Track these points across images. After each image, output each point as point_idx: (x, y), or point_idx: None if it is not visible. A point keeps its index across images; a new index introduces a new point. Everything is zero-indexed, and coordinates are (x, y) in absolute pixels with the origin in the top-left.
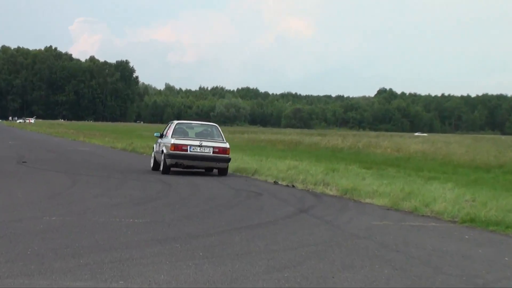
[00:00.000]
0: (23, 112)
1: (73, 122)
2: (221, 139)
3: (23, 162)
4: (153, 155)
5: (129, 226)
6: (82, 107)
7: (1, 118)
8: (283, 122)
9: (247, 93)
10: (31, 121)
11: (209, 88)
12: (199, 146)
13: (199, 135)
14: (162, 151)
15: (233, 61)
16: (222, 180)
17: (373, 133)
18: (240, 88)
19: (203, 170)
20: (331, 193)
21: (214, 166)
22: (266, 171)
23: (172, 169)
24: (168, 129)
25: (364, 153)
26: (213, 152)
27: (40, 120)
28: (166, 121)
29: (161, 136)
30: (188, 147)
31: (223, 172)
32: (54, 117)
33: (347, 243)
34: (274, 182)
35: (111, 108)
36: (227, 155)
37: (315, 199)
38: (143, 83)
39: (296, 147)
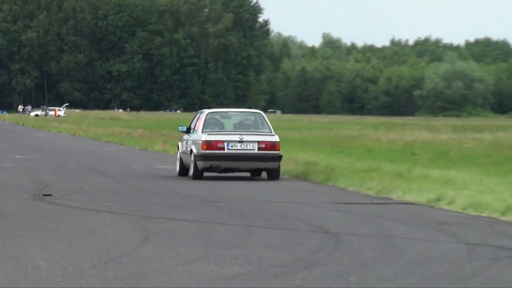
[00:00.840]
0: (43, 95)
1: (144, 113)
2: (267, 130)
3: (45, 195)
4: (178, 156)
5: None
6: (160, 85)
7: (3, 109)
8: None
9: (486, 52)
10: (59, 112)
11: (410, 42)
12: (239, 141)
13: (239, 127)
14: (191, 150)
15: None
16: (432, 225)
17: None
18: (470, 41)
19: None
20: None
21: (261, 167)
22: None
23: (206, 174)
24: (197, 121)
25: None
26: (259, 149)
27: (77, 110)
28: (328, 108)
29: (188, 130)
30: (225, 143)
31: (274, 174)
32: (105, 104)
33: None
34: None
35: (216, 84)
36: (278, 151)
37: None
38: (279, 35)
39: None
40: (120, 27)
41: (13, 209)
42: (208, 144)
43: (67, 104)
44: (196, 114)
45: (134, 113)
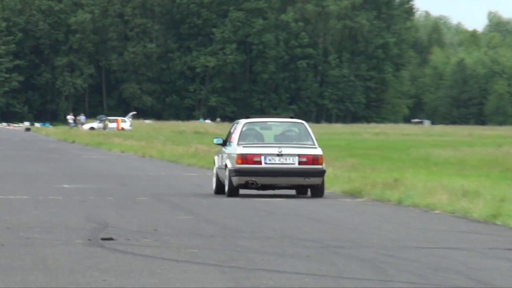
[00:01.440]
0: (101, 101)
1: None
2: (310, 142)
3: (104, 239)
4: (214, 171)
5: None
6: (262, 86)
7: (43, 120)
8: None
9: None
10: (122, 125)
11: None
12: (278, 155)
13: (280, 139)
14: (226, 165)
15: None
16: None
17: None
18: None
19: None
20: None
21: (302, 184)
22: None
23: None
24: (233, 133)
25: None
26: (300, 163)
27: (148, 121)
28: (496, 117)
29: (224, 143)
30: (263, 157)
31: (317, 191)
32: (186, 113)
33: None
34: None
35: (340, 84)
36: (321, 166)
37: None
38: (427, 15)
39: None
40: (206, 6)
41: (61, 259)
42: (244, 158)
43: (134, 113)
44: (233, 124)
45: (226, 124)
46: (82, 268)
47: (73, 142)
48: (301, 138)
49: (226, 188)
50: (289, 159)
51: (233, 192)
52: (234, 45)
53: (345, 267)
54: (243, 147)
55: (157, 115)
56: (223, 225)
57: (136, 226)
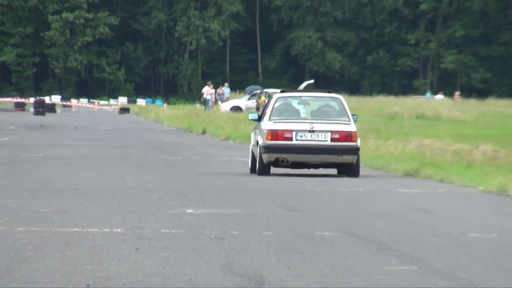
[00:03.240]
0: (253, 66)
1: None
2: (345, 118)
3: None
4: (250, 149)
5: None
6: None
7: (149, 94)
8: None
9: None
10: None
11: None
12: (309, 131)
13: (316, 115)
14: (257, 142)
15: None
16: None
17: None
18: None
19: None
20: None
21: (335, 162)
22: None
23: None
24: (266, 108)
25: None
26: (332, 139)
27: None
28: None
29: (259, 118)
30: (294, 133)
31: (352, 171)
32: (402, 84)
33: None
34: None
35: None
36: (354, 143)
37: None
38: None
39: None
40: None
41: None
42: (274, 134)
43: (311, 81)
44: (269, 99)
45: (472, 102)
46: None
47: (204, 133)
48: (336, 114)
49: (257, 166)
50: (321, 135)
51: (264, 170)
52: None
53: None
54: (274, 122)
55: (352, 85)
56: None
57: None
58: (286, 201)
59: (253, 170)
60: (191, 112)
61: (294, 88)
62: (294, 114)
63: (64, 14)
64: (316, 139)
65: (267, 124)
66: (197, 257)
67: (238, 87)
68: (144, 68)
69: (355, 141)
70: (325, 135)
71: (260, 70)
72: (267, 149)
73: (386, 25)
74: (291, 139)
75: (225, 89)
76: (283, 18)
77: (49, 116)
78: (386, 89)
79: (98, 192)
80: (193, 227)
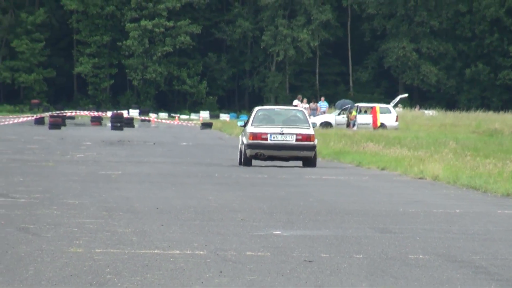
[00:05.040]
0: (344, 79)
1: None
2: (307, 125)
3: None
4: (239, 148)
5: None
6: None
7: (233, 108)
8: None
9: None
10: (383, 117)
11: None
12: (280, 133)
13: (285, 122)
14: (243, 141)
15: None
16: None
17: None
18: None
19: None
20: None
21: (298, 156)
22: None
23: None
24: (249, 117)
25: None
26: (296, 140)
27: (430, 112)
28: None
29: (245, 125)
30: (268, 135)
31: (309, 162)
32: (500, 97)
33: None
34: None
35: None
36: (312, 142)
37: None
38: None
39: None
40: None
41: None
42: (254, 135)
43: (405, 95)
44: (252, 111)
45: None
46: None
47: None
48: (300, 122)
49: (242, 159)
50: (289, 137)
51: (247, 162)
52: None
53: None
54: (254, 127)
55: (448, 100)
56: None
57: None
58: (378, 222)
59: (240, 162)
60: None
61: (387, 103)
62: (270, 122)
63: (143, 22)
64: (285, 139)
65: (249, 128)
66: (285, 281)
67: (328, 101)
68: (227, 80)
69: (313, 141)
70: (291, 137)
71: (351, 83)
72: (249, 146)
73: (486, 36)
74: (266, 139)
75: (321, 104)
76: (376, 28)
77: (127, 131)
78: (485, 104)
79: (179, 212)
80: (280, 249)
